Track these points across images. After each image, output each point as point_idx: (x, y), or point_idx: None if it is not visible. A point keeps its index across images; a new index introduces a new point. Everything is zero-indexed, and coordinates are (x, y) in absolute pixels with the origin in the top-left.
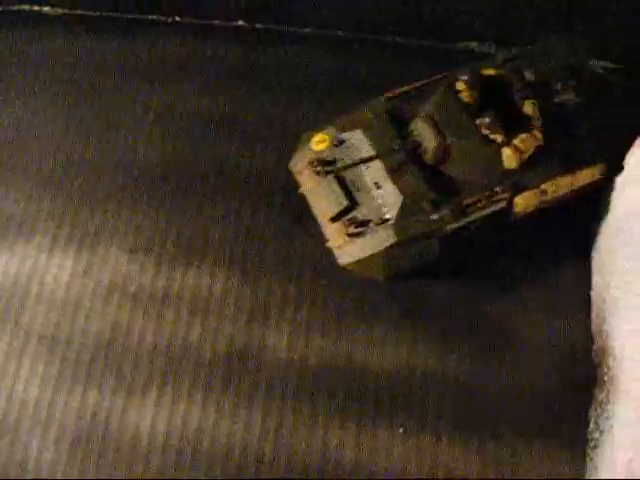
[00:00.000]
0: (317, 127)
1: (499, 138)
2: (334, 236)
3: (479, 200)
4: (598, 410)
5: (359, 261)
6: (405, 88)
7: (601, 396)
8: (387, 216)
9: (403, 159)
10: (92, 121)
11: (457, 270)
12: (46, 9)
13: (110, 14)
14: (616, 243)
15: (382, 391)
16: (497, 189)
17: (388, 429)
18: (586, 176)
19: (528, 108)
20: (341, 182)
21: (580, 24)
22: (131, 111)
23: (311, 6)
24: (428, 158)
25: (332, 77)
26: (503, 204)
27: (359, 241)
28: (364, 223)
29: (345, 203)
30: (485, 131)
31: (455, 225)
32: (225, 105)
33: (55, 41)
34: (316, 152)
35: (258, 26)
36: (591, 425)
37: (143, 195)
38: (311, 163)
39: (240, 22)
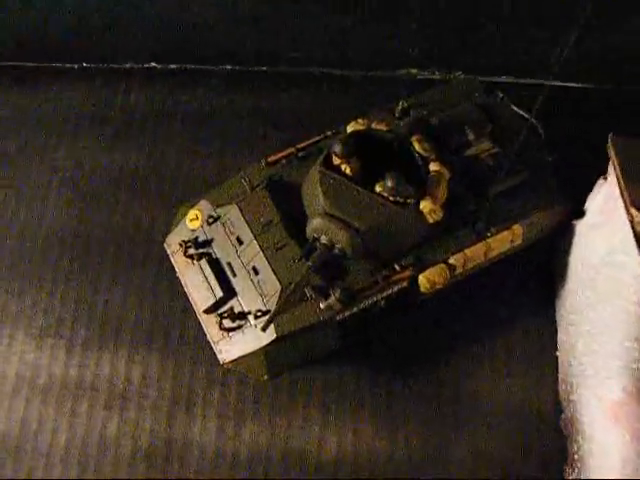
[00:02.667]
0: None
1: (410, 196)
2: (210, 330)
3: (375, 282)
4: None
5: (238, 360)
6: (285, 152)
7: (572, 475)
8: (267, 307)
9: (282, 238)
10: None
11: (405, 334)
12: None
13: (9, 63)
14: (581, 301)
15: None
16: (396, 267)
17: None
18: (503, 242)
19: (417, 146)
20: (216, 266)
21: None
22: (37, 172)
23: (229, 42)
24: (351, 256)
25: (256, 117)
26: (404, 284)
27: (236, 337)
28: (241, 316)
29: (219, 294)
30: (391, 196)
31: (347, 313)
32: (138, 160)
33: None
34: (191, 230)
35: (172, 67)
36: None
37: (50, 271)
38: (182, 244)
39: (152, 64)
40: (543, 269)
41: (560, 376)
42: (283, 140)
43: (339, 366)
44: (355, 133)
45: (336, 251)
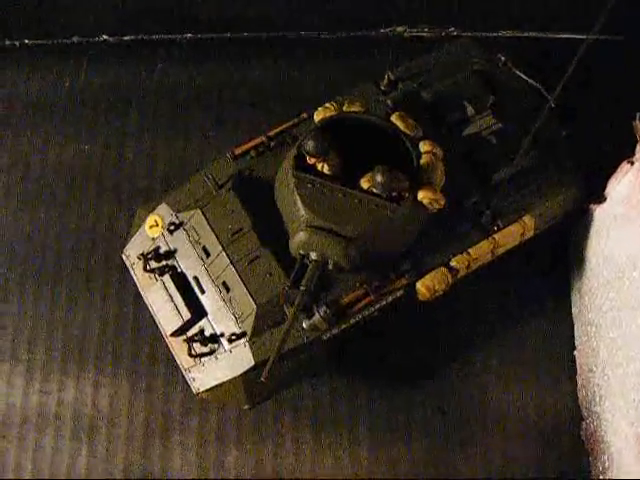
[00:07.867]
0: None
1: (405, 189)
2: (180, 356)
3: (365, 294)
4: None
5: (213, 389)
6: (254, 142)
7: None
8: (241, 329)
9: (255, 248)
10: None
11: (403, 338)
12: None
13: None
14: (602, 302)
15: None
16: (390, 275)
17: None
18: (512, 236)
19: (401, 125)
20: (181, 282)
21: None
22: None
23: (191, 6)
24: (348, 269)
25: (226, 93)
26: (399, 293)
27: (209, 364)
28: (214, 338)
29: (187, 316)
30: (383, 192)
31: (335, 331)
32: (92, 151)
33: None
34: (151, 238)
35: (126, 39)
36: None
37: (0, 287)
38: (141, 257)
39: (104, 37)
40: (556, 251)
41: (580, 381)
42: (257, 120)
43: (331, 380)
44: (326, 122)
45: (330, 267)
